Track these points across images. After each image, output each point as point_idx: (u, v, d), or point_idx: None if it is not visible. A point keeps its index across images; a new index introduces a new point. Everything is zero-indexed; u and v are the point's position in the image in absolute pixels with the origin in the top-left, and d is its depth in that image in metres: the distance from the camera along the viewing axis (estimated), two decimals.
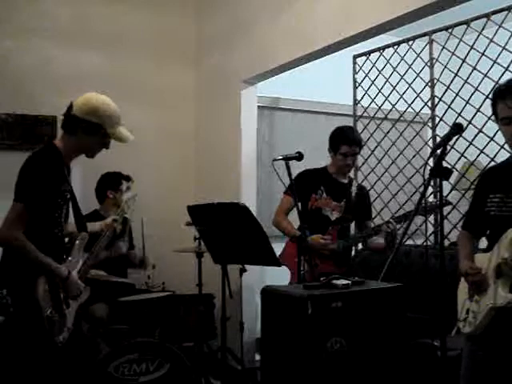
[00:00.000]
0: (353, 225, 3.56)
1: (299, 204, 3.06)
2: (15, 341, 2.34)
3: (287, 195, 3.45)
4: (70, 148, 2.50)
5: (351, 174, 3.65)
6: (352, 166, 3.45)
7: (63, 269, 2.44)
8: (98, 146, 2.56)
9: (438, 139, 3.55)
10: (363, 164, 4.35)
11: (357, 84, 4.40)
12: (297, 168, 3.28)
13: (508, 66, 3.37)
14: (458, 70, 3.72)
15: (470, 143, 3.55)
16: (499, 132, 2.52)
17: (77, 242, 2.61)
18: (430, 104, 3.91)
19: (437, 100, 3.85)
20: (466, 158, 3.68)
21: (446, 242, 3.39)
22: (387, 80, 4.17)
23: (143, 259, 3.80)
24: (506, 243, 2.14)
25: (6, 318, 2.35)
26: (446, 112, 3.78)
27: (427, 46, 3.89)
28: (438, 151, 2.15)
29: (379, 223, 3.36)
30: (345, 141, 3.33)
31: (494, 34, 3.43)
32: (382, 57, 4.16)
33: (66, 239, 2.61)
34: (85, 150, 2.56)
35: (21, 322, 2.34)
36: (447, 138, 2.16)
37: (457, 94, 3.70)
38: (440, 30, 3.74)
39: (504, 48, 3.42)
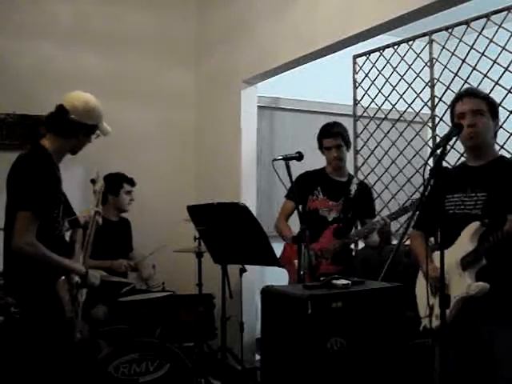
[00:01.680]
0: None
1: (299, 206, 3.07)
2: (33, 343, 2.33)
3: (287, 199, 3.47)
4: (61, 149, 2.51)
5: (351, 172, 3.65)
6: (340, 159, 3.40)
7: (80, 265, 2.50)
8: (86, 144, 2.60)
9: (438, 139, 3.55)
10: (363, 164, 4.35)
11: (357, 84, 4.39)
12: (297, 168, 3.27)
13: (508, 66, 3.37)
14: (458, 70, 3.71)
15: None
16: (499, 132, 2.53)
17: (76, 238, 2.64)
18: (429, 104, 3.90)
19: (437, 100, 3.85)
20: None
21: None
22: (387, 80, 4.17)
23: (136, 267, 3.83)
24: (468, 237, 2.28)
25: (5, 319, 2.35)
26: (445, 112, 3.77)
27: (427, 46, 3.88)
28: (438, 151, 2.15)
29: (373, 221, 3.35)
30: (324, 135, 3.42)
31: (494, 34, 3.42)
32: (381, 57, 4.16)
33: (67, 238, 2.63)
34: (77, 150, 2.59)
35: (41, 325, 2.32)
36: (447, 138, 2.16)
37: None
38: (440, 30, 3.73)
39: (504, 48, 3.41)
